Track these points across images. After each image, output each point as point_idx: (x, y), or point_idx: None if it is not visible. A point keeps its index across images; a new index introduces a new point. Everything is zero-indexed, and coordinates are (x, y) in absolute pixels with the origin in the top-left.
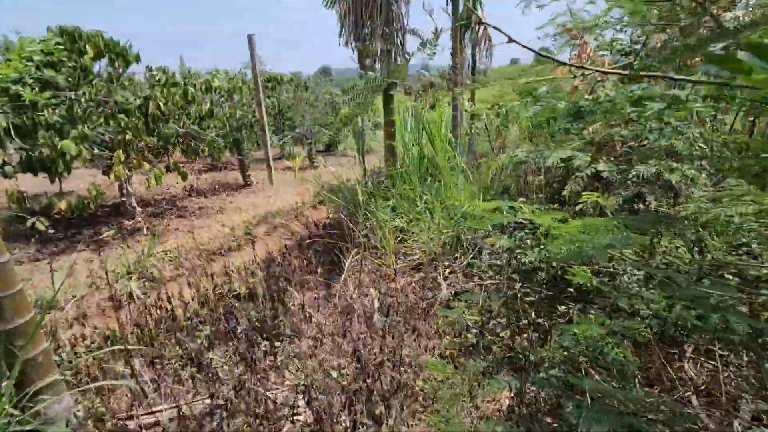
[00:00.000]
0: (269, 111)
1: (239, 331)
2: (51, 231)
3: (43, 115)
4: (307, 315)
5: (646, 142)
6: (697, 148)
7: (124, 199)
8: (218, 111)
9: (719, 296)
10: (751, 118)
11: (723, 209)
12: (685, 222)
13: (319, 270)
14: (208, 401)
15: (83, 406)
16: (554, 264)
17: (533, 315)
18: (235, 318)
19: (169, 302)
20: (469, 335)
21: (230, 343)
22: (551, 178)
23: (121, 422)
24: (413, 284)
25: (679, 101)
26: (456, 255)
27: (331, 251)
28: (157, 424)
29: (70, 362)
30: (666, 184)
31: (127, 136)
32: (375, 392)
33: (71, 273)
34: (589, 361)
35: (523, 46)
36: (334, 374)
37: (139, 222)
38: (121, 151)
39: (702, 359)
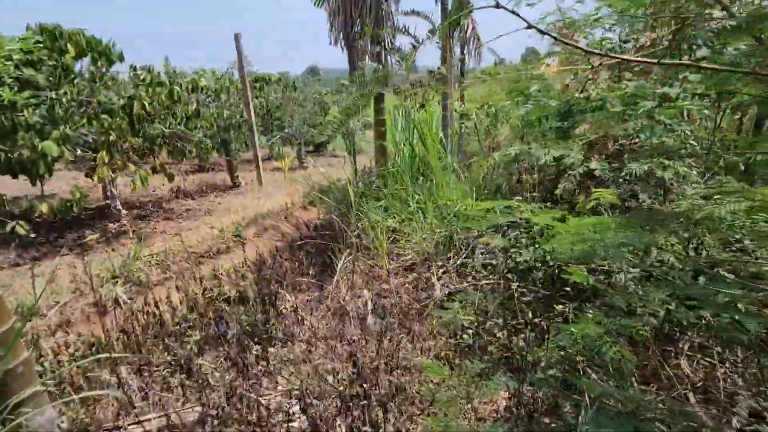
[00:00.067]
0: (257, 111)
1: (230, 335)
2: (32, 235)
3: (23, 116)
4: (300, 318)
5: (637, 140)
6: (688, 145)
7: (108, 201)
8: (205, 111)
9: (729, 295)
10: (738, 116)
11: (717, 207)
12: (681, 220)
13: (311, 272)
14: (198, 409)
15: (67, 417)
16: (551, 263)
17: (530, 315)
18: (226, 322)
19: (157, 307)
20: (465, 336)
21: (221, 349)
22: (544, 176)
23: None
24: (406, 285)
25: (669, 99)
26: (449, 255)
27: (323, 252)
28: None
29: (53, 372)
30: (657, 182)
31: (111, 137)
32: (372, 397)
33: (53, 278)
34: (586, 360)
35: (543, 32)
36: (330, 379)
37: (125, 225)
38: (105, 152)
39: (698, 356)
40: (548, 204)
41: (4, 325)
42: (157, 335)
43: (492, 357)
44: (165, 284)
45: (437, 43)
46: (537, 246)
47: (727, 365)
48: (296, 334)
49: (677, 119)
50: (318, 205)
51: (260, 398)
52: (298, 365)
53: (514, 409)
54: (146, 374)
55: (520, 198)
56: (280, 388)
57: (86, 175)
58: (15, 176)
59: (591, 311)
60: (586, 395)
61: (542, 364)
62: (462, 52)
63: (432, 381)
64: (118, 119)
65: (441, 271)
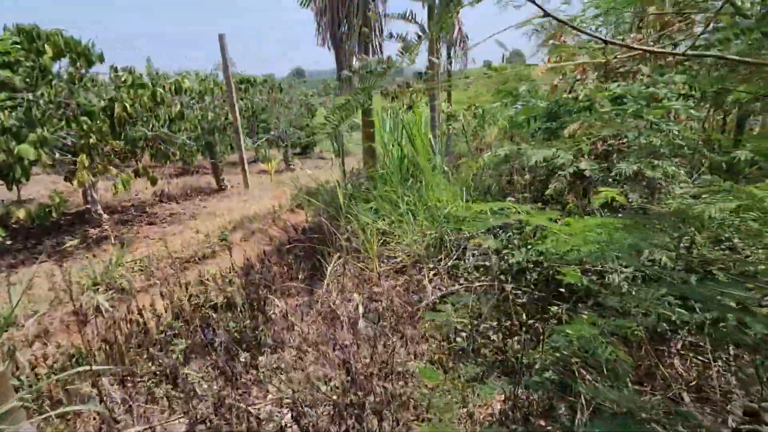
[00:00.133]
0: (243, 113)
1: (217, 343)
2: (9, 242)
3: None
4: (290, 324)
5: (625, 140)
6: (675, 145)
7: (89, 206)
8: (189, 113)
9: (732, 296)
10: (720, 116)
11: (707, 205)
12: (673, 219)
13: (300, 276)
14: (185, 420)
15: None
16: (545, 264)
17: (524, 316)
18: (213, 329)
19: (140, 315)
20: (458, 339)
21: (208, 357)
22: (534, 177)
23: None
24: (398, 287)
25: (656, 99)
26: (440, 257)
27: (312, 256)
28: None
29: (31, 386)
30: (645, 182)
31: (91, 140)
32: (366, 405)
33: (31, 286)
34: (581, 361)
35: (559, 20)
36: (323, 387)
37: (106, 230)
38: (84, 155)
39: (690, 355)
40: (539, 204)
41: None
42: (141, 344)
43: (486, 360)
44: (149, 291)
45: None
46: (530, 247)
47: (719, 364)
48: (286, 340)
49: (664, 119)
50: (306, 207)
51: (250, 408)
52: (289, 372)
53: (509, 412)
54: (130, 386)
55: (513, 199)
56: (270, 396)
57: (65, 179)
58: None
59: (585, 312)
60: (582, 397)
61: (538, 367)
62: (449, 54)
63: (426, 386)
64: (98, 121)
65: (432, 273)
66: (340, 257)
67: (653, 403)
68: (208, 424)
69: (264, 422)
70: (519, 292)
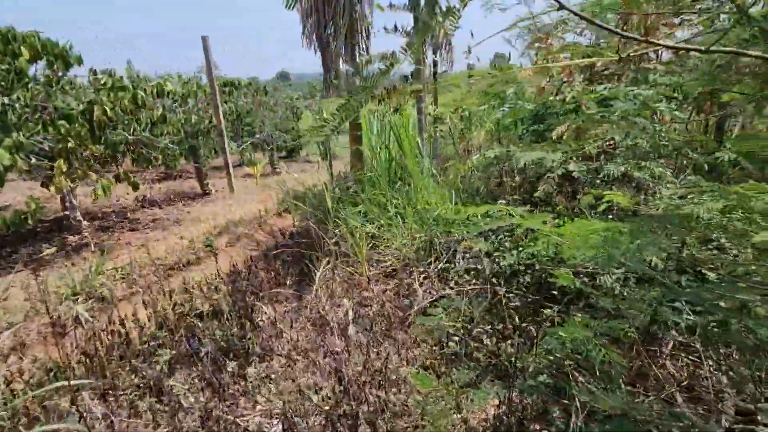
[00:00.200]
0: (227, 116)
1: (203, 353)
2: None
3: None
4: (278, 331)
5: (612, 142)
6: (662, 146)
7: (67, 212)
8: (172, 116)
9: (740, 299)
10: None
11: (696, 206)
12: (675, 221)
13: (288, 281)
14: None
15: None
16: (537, 267)
17: (517, 319)
18: (198, 339)
19: (122, 325)
20: (451, 343)
21: (194, 367)
22: (524, 179)
23: None
24: (388, 291)
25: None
26: (430, 260)
27: (300, 261)
28: None
29: (6, 403)
30: (635, 183)
31: (70, 144)
32: (360, 414)
33: (6, 296)
34: (574, 363)
35: (576, 14)
36: (314, 398)
37: (86, 237)
38: (62, 160)
39: (682, 355)
40: (528, 206)
41: None
42: (123, 356)
43: (480, 364)
44: (131, 300)
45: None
46: (521, 249)
47: (710, 363)
48: (275, 348)
49: (651, 121)
50: (293, 211)
51: (238, 420)
52: (279, 382)
53: (504, 417)
54: (111, 400)
55: (504, 201)
56: (259, 407)
57: (42, 185)
58: None
59: (577, 314)
60: (576, 400)
61: (532, 370)
62: (435, 56)
63: (419, 392)
64: (76, 125)
65: (422, 276)
66: (328, 262)
67: (647, 404)
68: None
69: None
70: (511, 295)
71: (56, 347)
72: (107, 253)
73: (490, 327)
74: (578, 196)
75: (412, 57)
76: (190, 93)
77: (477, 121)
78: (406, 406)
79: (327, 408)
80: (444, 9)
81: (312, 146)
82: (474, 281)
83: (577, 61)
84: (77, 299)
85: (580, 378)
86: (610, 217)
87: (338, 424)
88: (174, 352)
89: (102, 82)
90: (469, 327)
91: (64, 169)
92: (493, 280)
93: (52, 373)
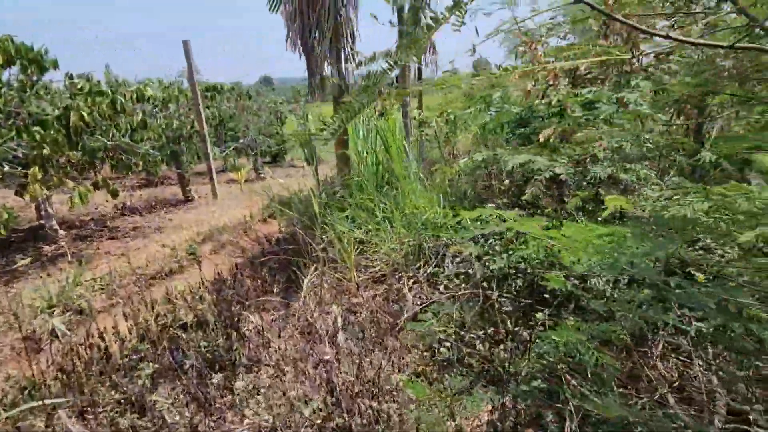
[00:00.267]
0: (210, 121)
1: (188, 365)
2: None
3: None
4: (266, 340)
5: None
6: (645, 149)
7: (43, 221)
8: (152, 122)
9: (737, 302)
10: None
11: (683, 207)
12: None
13: (275, 289)
14: None
15: None
16: (529, 270)
17: (509, 324)
18: (182, 351)
19: (102, 338)
20: (442, 349)
21: (178, 381)
22: (512, 182)
23: None
24: (377, 297)
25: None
26: (419, 264)
27: (287, 267)
28: None
29: None
30: (622, 185)
31: (45, 151)
32: (353, 427)
33: None
34: (566, 367)
35: (596, 8)
36: (305, 411)
37: (62, 247)
38: (37, 167)
39: (672, 356)
40: (516, 209)
41: None
42: (103, 371)
43: (472, 370)
44: (111, 311)
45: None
46: (511, 252)
47: (700, 363)
48: (263, 358)
49: (635, 124)
50: (279, 217)
51: None
52: (267, 394)
53: (498, 423)
54: (90, 417)
55: (493, 205)
56: (247, 421)
57: (16, 194)
58: None
59: (568, 317)
60: (570, 403)
61: (526, 376)
62: (419, 62)
63: (411, 399)
64: (52, 131)
65: (412, 281)
66: (316, 268)
67: (639, 406)
68: None
69: None
70: (503, 299)
71: (31, 363)
72: (85, 263)
73: (482, 332)
74: (565, 199)
75: (399, 66)
76: (171, 98)
77: (462, 125)
78: (401, 416)
79: (318, 421)
80: (429, 22)
81: (297, 151)
82: (464, 285)
83: (588, 60)
84: (53, 312)
85: (573, 381)
86: (599, 220)
87: None
88: (157, 365)
89: (79, 86)
90: (461, 332)
91: (39, 177)
92: (484, 284)
93: (26, 392)
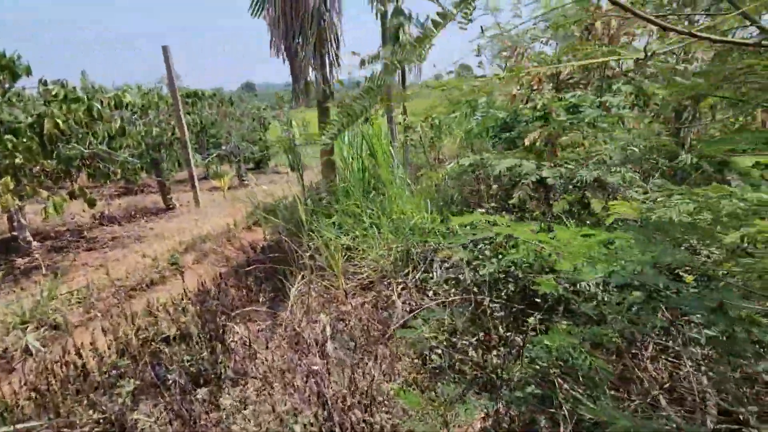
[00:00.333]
0: (191, 128)
1: (171, 380)
2: None
3: None
4: (253, 352)
5: (581, 148)
6: (629, 152)
7: (15, 233)
8: (131, 129)
9: (737, 306)
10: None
11: (669, 209)
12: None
13: (261, 298)
14: None
15: None
16: (520, 275)
17: (501, 329)
18: (165, 365)
19: (79, 355)
20: (434, 356)
21: (160, 398)
22: (500, 186)
23: None
24: (366, 304)
25: (606, 108)
26: (407, 270)
27: (274, 276)
28: None
29: None
30: (604, 188)
31: (18, 160)
32: None
33: None
34: (558, 371)
35: (625, 7)
36: (296, 428)
37: (36, 259)
38: (9, 177)
39: (661, 357)
40: (504, 213)
41: None
42: (80, 390)
43: (465, 377)
44: (88, 326)
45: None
46: (501, 257)
47: (689, 363)
48: (249, 371)
49: (618, 127)
50: (264, 225)
51: None
52: (255, 408)
53: (492, 430)
54: None
55: (482, 210)
56: None
57: None
58: None
59: (559, 320)
60: (564, 408)
61: (519, 381)
62: (403, 67)
63: (403, 409)
64: (25, 139)
65: (400, 287)
66: (303, 276)
67: (632, 408)
68: None
69: None
70: (494, 305)
71: (2, 383)
72: (61, 275)
73: (475, 339)
74: (551, 202)
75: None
76: (150, 104)
77: (446, 129)
78: (395, 428)
79: None
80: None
81: (281, 157)
82: (454, 291)
83: (595, 60)
84: (27, 328)
85: (565, 385)
86: (588, 223)
87: None
88: (138, 381)
89: (53, 93)
90: (453, 339)
91: (11, 187)
92: (475, 289)
93: None
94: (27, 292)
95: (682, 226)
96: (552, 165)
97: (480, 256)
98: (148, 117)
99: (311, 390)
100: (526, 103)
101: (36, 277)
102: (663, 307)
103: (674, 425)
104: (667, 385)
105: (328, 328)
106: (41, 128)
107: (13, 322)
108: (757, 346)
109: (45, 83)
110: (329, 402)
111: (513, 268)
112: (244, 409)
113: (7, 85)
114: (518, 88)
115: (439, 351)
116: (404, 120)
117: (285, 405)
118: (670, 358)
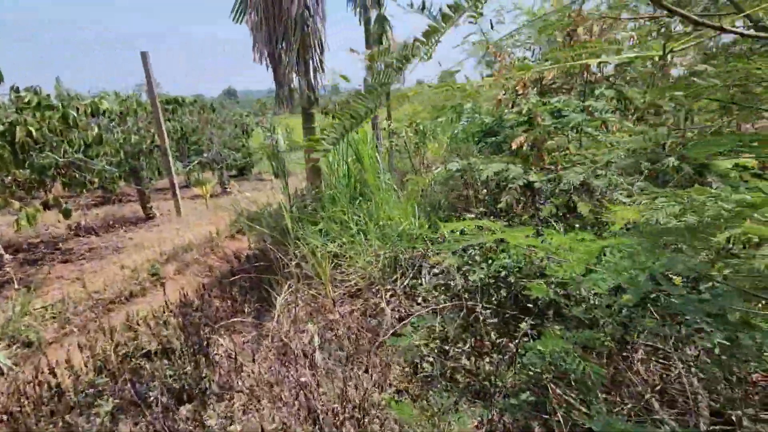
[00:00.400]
0: (171, 135)
1: (152, 398)
2: None
3: None
4: (239, 365)
5: (566, 152)
6: (614, 155)
7: None
8: (109, 137)
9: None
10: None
11: (657, 211)
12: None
13: (246, 309)
14: None
15: None
16: (512, 280)
17: (493, 336)
18: (146, 382)
19: (53, 373)
20: (425, 365)
21: (141, 417)
22: (488, 191)
23: None
24: (354, 312)
25: (589, 112)
26: (395, 277)
27: (259, 285)
28: None
29: None
30: (591, 191)
31: None
32: None
33: None
34: (552, 377)
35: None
36: None
37: (8, 272)
38: None
39: (652, 359)
40: (492, 218)
41: None
42: (55, 411)
43: (457, 385)
44: (64, 342)
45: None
46: (491, 262)
47: (680, 365)
48: (235, 384)
49: (601, 130)
50: (248, 233)
51: None
52: (242, 425)
53: None
54: None
55: (472, 215)
56: None
57: None
58: None
59: (551, 324)
60: (559, 414)
61: (513, 388)
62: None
63: (396, 420)
64: None
65: (389, 294)
66: (290, 285)
67: (625, 412)
68: None
69: None
70: (486, 311)
71: None
72: (35, 289)
73: (468, 347)
74: (538, 206)
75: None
76: (129, 111)
77: (430, 135)
78: None
79: None
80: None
81: (264, 164)
82: (443, 297)
83: (606, 58)
84: None
85: (558, 390)
86: (577, 226)
87: None
88: (117, 400)
89: (26, 100)
90: (445, 346)
91: None
92: (465, 295)
93: None
94: None
95: (676, 229)
96: (540, 169)
97: (470, 262)
98: (127, 124)
99: (301, 404)
100: (512, 107)
101: (8, 292)
102: (651, 309)
103: (668, 428)
104: (658, 387)
105: (316, 338)
106: (13, 136)
107: None
108: (754, 349)
109: (17, 90)
110: (320, 417)
111: (504, 272)
112: (230, 425)
113: None
114: (503, 93)
115: (431, 359)
116: (389, 125)
117: (273, 421)
118: (660, 360)
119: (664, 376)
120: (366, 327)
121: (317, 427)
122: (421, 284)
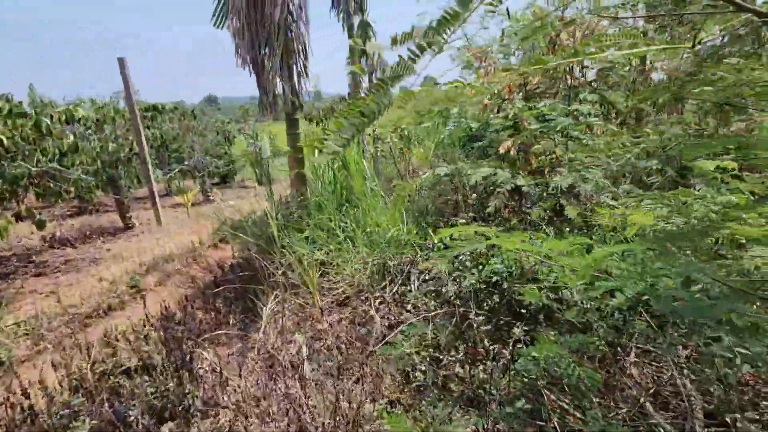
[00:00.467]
0: (151, 143)
1: (132, 418)
2: None
3: None
4: (224, 379)
5: (553, 156)
6: (599, 158)
7: None
8: (85, 145)
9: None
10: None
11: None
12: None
13: (231, 320)
14: None
15: None
16: (505, 285)
17: (486, 342)
18: (125, 401)
19: (25, 395)
20: (417, 374)
21: None
22: (477, 195)
23: None
24: (343, 321)
25: (575, 117)
26: (384, 284)
27: (244, 296)
28: None
29: None
30: (579, 194)
31: None
32: None
33: None
34: (546, 383)
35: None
36: None
37: None
38: None
39: (644, 361)
40: (480, 222)
41: None
42: None
43: (451, 394)
44: (37, 360)
45: (346, 69)
46: (482, 267)
47: (672, 367)
48: (220, 400)
49: (588, 134)
50: (232, 242)
51: None
52: None
53: None
54: None
55: (463, 221)
56: None
57: None
58: None
59: (545, 331)
60: (554, 421)
61: (507, 396)
62: (370, 79)
63: None
64: None
65: (378, 302)
66: (276, 295)
67: (620, 417)
68: None
69: None
70: (478, 317)
71: None
72: (6, 304)
73: (461, 354)
74: (526, 210)
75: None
76: (106, 119)
77: (415, 140)
78: None
79: None
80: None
81: (247, 171)
82: (434, 304)
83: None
84: None
85: (552, 396)
86: (569, 230)
87: None
88: (95, 421)
89: None
90: (438, 354)
91: None
92: (457, 301)
93: None
94: None
95: (684, 233)
96: (527, 173)
97: (460, 267)
98: (104, 132)
99: (290, 419)
100: (498, 112)
101: None
102: (642, 311)
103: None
104: (652, 390)
105: (304, 348)
106: None
107: None
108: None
109: None
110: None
111: (495, 278)
112: None
113: None
114: (489, 98)
115: (423, 368)
116: (373, 131)
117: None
118: (652, 362)
119: (657, 378)
120: (356, 336)
121: None
122: (410, 291)
